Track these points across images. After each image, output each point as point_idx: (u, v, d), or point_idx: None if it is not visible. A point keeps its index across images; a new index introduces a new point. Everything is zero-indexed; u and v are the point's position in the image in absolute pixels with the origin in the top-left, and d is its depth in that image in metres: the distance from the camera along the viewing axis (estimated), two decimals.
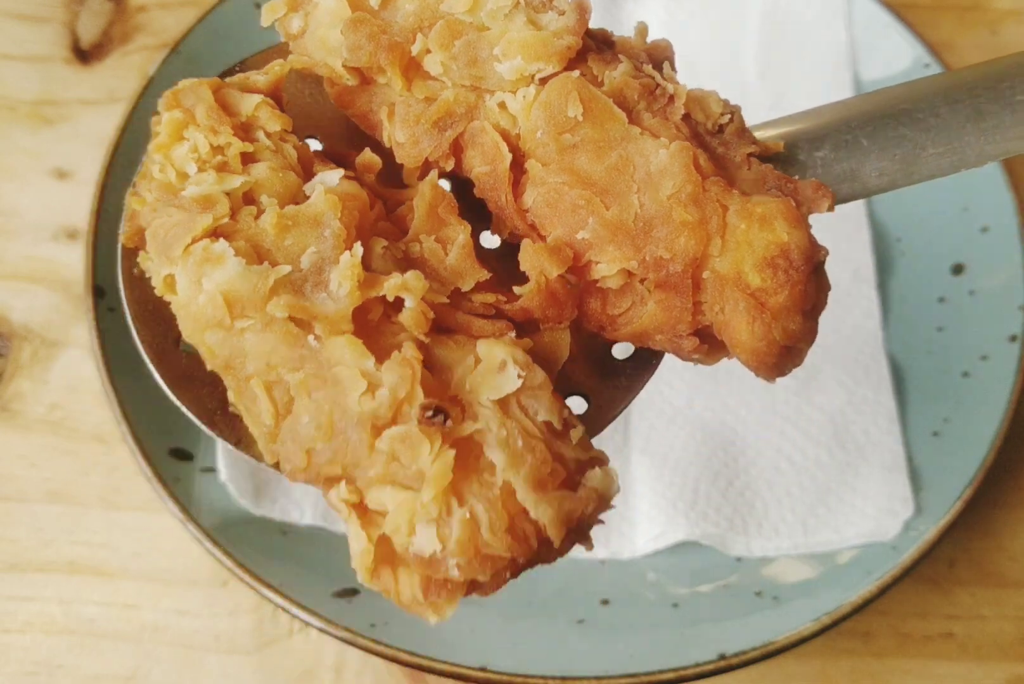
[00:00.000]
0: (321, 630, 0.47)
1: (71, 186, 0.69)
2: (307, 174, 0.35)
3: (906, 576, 0.49)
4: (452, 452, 0.30)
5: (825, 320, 0.61)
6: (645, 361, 0.37)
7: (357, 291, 0.31)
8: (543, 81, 0.34)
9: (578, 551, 0.53)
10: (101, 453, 0.61)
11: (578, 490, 0.31)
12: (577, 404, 0.36)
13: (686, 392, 0.59)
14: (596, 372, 0.37)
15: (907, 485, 0.53)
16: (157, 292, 0.34)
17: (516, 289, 0.34)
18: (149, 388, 0.53)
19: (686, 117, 0.34)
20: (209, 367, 0.34)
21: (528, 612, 0.52)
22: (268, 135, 0.35)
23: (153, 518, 0.59)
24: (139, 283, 0.37)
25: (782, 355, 0.34)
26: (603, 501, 0.32)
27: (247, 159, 0.34)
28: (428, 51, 0.34)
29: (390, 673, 0.56)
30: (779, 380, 0.55)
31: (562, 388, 0.35)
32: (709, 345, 0.35)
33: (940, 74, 0.43)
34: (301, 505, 0.53)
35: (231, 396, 0.34)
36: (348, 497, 0.31)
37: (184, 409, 0.36)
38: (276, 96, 0.37)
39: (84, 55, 0.74)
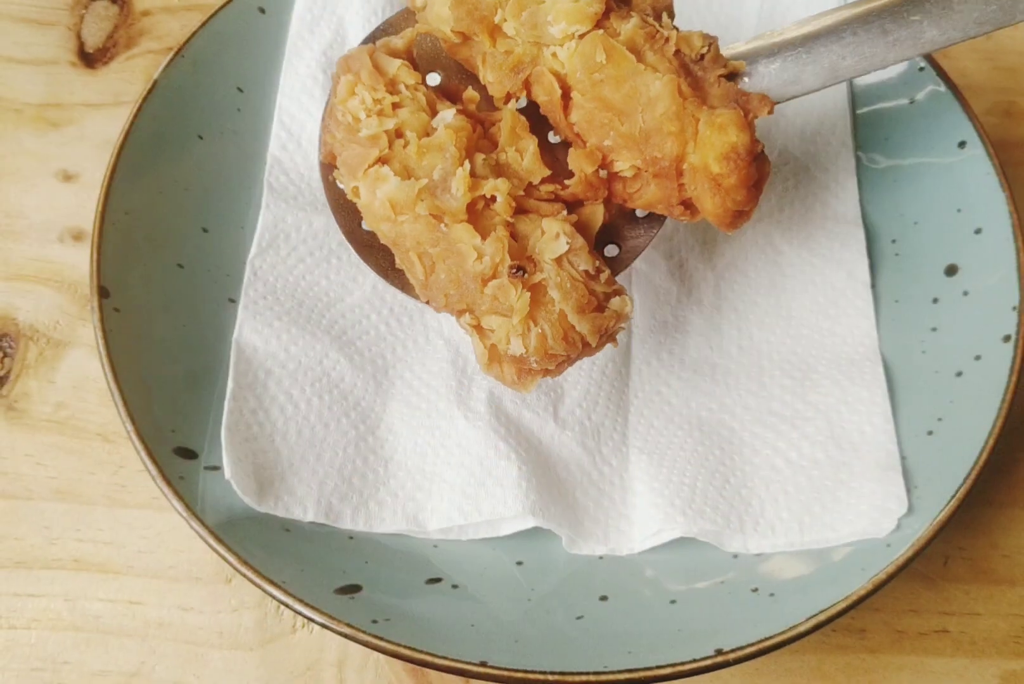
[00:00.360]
0: (323, 626, 0.47)
1: (76, 188, 0.70)
2: (432, 112, 0.51)
3: (900, 573, 0.50)
4: (528, 293, 0.48)
5: (821, 321, 0.62)
6: (655, 221, 0.55)
7: (468, 193, 0.49)
8: (580, 37, 0.50)
9: (577, 548, 0.54)
10: (107, 452, 0.62)
11: (605, 311, 0.49)
12: (612, 250, 0.55)
13: (684, 391, 0.59)
14: (624, 227, 0.55)
15: (901, 483, 0.53)
16: (349, 197, 0.52)
17: (567, 181, 0.51)
18: (154, 387, 0.54)
19: (677, 52, 0.50)
20: (383, 242, 0.52)
21: (527, 608, 0.52)
22: (407, 87, 0.51)
23: (158, 516, 0.60)
24: (333, 186, 0.54)
25: (735, 216, 0.50)
26: (621, 317, 0.49)
27: (395, 106, 0.51)
28: (505, 20, 0.51)
29: (391, 668, 0.57)
30: (775, 380, 0.58)
31: (602, 239, 0.53)
32: (691, 211, 0.52)
33: (856, 2, 0.51)
34: (304, 503, 0.53)
35: (398, 261, 0.52)
36: (471, 321, 0.50)
37: (368, 266, 0.55)
38: (409, 52, 0.53)
39: (89, 59, 0.75)
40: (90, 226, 0.56)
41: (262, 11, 0.65)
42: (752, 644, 0.48)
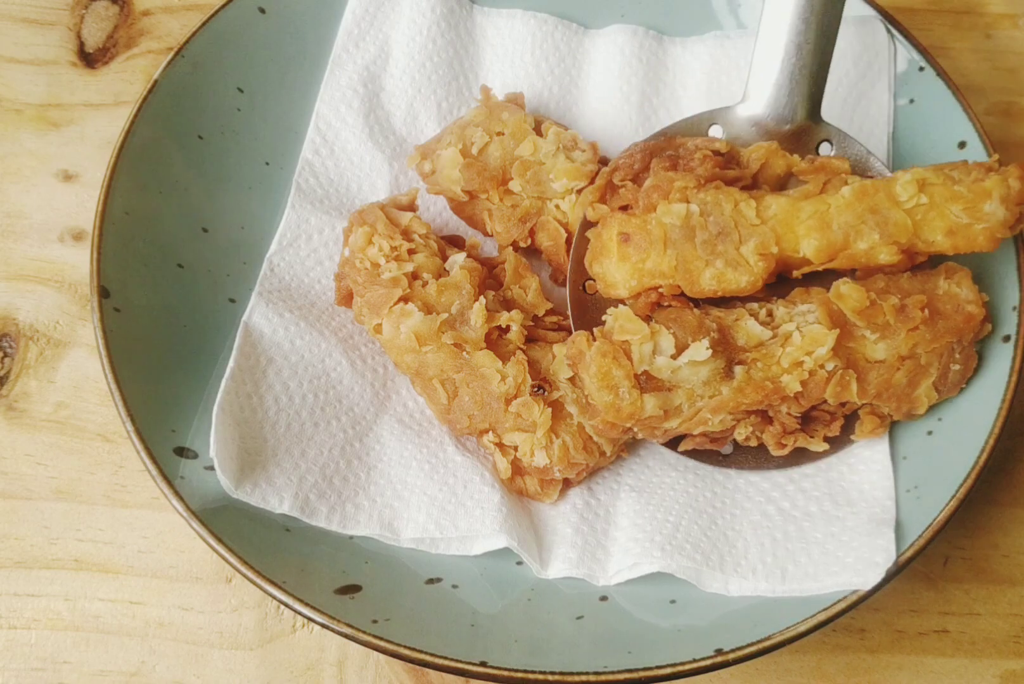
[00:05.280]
0: (323, 626, 0.48)
1: (77, 188, 0.70)
2: (443, 256, 0.58)
3: (900, 573, 0.50)
4: (549, 409, 0.54)
5: None
6: None
7: (485, 324, 0.55)
8: (578, 191, 0.59)
9: (546, 573, 0.54)
10: (107, 451, 0.62)
11: None
12: None
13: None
14: None
15: (891, 537, 0.51)
16: (369, 334, 0.58)
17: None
18: (154, 387, 0.54)
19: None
20: (403, 373, 0.58)
21: (528, 608, 0.52)
22: (420, 236, 0.58)
23: (158, 515, 0.60)
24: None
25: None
26: (628, 429, 0.53)
27: (411, 252, 0.57)
28: (510, 178, 0.60)
29: (391, 668, 0.57)
30: None
31: None
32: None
33: None
34: (281, 494, 0.53)
35: (417, 390, 0.58)
36: (493, 439, 0.55)
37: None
38: (413, 206, 0.61)
39: (90, 59, 0.75)
40: (90, 226, 0.56)
41: (262, 11, 0.65)
42: (752, 644, 0.48)
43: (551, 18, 0.69)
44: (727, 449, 0.57)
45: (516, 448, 0.54)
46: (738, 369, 0.51)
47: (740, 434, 0.54)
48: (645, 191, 0.54)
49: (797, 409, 0.53)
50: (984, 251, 0.53)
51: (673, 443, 0.56)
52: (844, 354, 0.52)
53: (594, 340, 0.51)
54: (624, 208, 0.56)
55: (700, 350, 0.50)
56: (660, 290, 0.53)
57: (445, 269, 0.57)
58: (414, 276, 0.56)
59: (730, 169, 0.56)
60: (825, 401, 0.53)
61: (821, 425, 0.55)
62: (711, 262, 0.52)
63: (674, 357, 0.50)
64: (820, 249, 0.52)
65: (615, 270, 0.53)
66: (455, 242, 0.61)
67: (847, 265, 0.53)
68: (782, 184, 0.57)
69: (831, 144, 0.58)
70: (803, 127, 0.58)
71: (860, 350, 0.52)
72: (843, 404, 0.54)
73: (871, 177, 0.57)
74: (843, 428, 0.55)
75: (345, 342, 0.59)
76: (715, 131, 0.59)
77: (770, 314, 0.54)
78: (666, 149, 0.56)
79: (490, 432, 0.55)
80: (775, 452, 0.55)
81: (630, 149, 0.57)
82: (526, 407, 0.54)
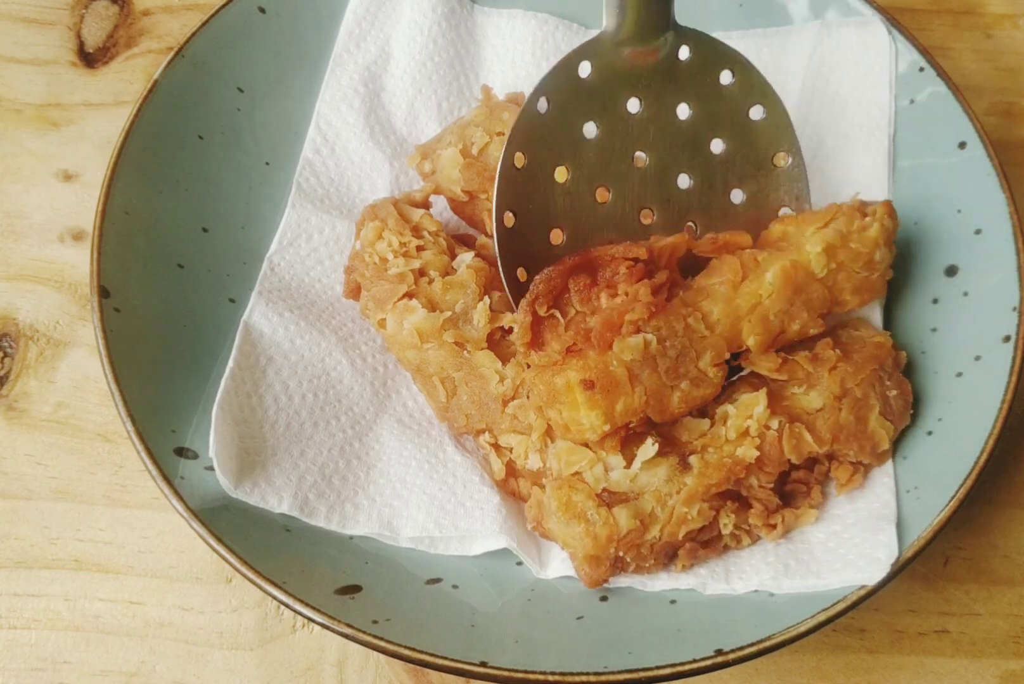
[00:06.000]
0: (323, 626, 0.48)
1: (77, 188, 0.70)
2: (452, 254, 0.58)
3: (900, 573, 0.50)
4: None
5: None
6: None
7: (489, 324, 0.55)
8: None
9: (546, 573, 0.54)
10: (107, 451, 0.62)
11: None
12: None
13: None
14: None
15: (893, 532, 0.52)
16: (375, 328, 0.58)
17: None
18: (154, 388, 0.54)
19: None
20: (405, 368, 0.58)
21: (528, 608, 0.52)
22: (429, 233, 0.58)
23: (158, 516, 0.60)
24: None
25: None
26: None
27: (419, 248, 0.57)
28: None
29: (391, 668, 0.57)
30: None
31: None
32: None
33: None
34: (280, 493, 0.53)
35: (418, 386, 0.58)
36: (490, 440, 0.55)
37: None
38: (427, 203, 0.61)
39: (90, 59, 0.75)
40: (90, 226, 0.56)
41: (262, 11, 0.65)
42: (752, 644, 0.48)
43: (552, 18, 0.69)
44: None
45: (511, 449, 0.54)
46: (693, 458, 0.52)
47: (726, 527, 0.53)
48: (596, 331, 0.52)
49: (768, 479, 0.53)
50: (879, 297, 0.57)
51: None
52: (784, 412, 0.53)
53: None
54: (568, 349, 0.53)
55: (648, 448, 0.51)
56: (631, 425, 0.51)
57: (453, 267, 0.57)
58: (421, 273, 0.56)
59: (650, 272, 0.54)
60: (794, 468, 0.54)
61: (801, 497, 0.55)
62: (677, 386, 0.52)
63: (627, 467, 0.51)
64: (764, 343, 0.54)
65: (584, 418, 0.50)
66: (465, 241, 0.61)
67: (779, 345, 0.55)
68: (688, 266, 0.56)
69: (689, 47, 0.58)
70: (665, 39, 0.57)
71: (797, 405, 0.54)
72: (812, 468, 0.55)
73: (730, 70, 0.58)
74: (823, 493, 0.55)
75: (345, 341, 0.59)
76: (584, 67, 0.57)
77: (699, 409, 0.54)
78: (580, 267, 0.54)
79: (487, 432, 0.55)
80: (769, 537, 0.54)
81: (543, 275, 0.52)
82: (523, 409, 0.53)
